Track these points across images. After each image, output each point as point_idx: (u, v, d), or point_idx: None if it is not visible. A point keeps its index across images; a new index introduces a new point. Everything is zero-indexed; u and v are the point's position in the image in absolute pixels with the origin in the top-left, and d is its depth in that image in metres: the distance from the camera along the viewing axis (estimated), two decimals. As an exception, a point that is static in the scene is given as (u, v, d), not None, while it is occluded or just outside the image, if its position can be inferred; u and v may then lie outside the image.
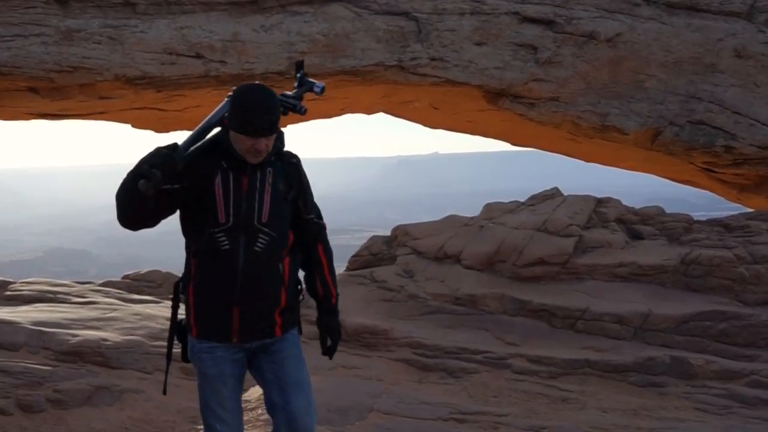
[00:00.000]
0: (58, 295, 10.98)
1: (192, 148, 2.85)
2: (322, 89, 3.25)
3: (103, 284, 12.90)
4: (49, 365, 7.52)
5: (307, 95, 3.31)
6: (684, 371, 9.95)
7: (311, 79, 3.28)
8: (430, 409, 6.21)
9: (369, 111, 9.25)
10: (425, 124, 9.93)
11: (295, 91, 3.22)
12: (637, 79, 7.68)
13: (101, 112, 8.24)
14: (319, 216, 3.16)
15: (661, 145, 7.84)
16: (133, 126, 9.09)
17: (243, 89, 2.92)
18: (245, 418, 7.08)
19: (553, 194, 15.45)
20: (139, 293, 12.65)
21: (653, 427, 7.65)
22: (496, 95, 7.68)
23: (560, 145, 9.30)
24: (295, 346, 3.08)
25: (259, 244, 2.88)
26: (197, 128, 2.89)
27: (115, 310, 10.23)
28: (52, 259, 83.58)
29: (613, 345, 10.77)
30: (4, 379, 6.89)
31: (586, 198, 15.06)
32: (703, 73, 7.74)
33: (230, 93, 2.96)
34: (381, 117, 10.43)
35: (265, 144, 2.86)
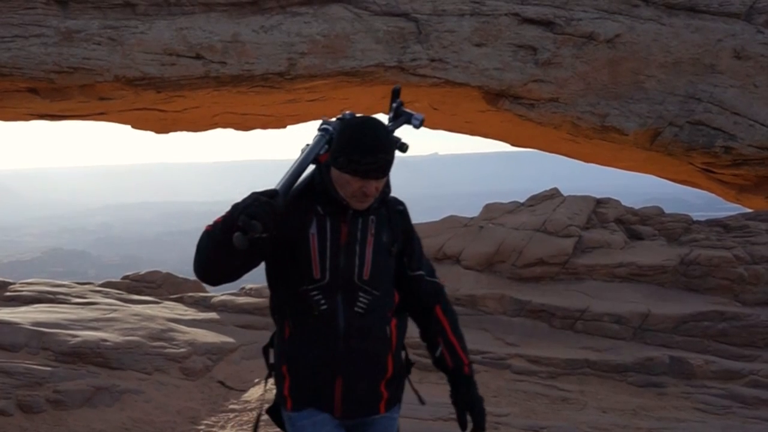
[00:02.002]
0: (58, 296, 10.98)
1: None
2: (421, 122, 2.77)
3: (103, 285, 12.90)
4: (49, 366, 7.52)
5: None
6: (683, 371, 9.96)
7: (408, 110, 2.79)
8: (430, 409, 6.21)
9: (369, 112, 9.26)
10: (425, 125, 9.92)
11: (390, 123, 2.71)
12: (636, 80, 7.70)
13: (101, 113, 8.25)
14: (432, 273, 2.71)
15: (660, 145, 7.85)
16: (133, 127, 9.10)
17: (353, 122, 2.47)
18: (245, 418, 7.09)
19: (553, 195, 15.45)
20: (138, 294, 12.65)
21: (653, 427, 7.66)
22: (495, 96, 7.69)
23: (560, 146, 9.31)
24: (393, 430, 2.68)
25: (360, 304, 2.46)
26: (293, 168, 2.41)
27: (115, 310, 10.23)
28: (52, 260, 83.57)
29: (612, 345, 10.77)
30: (4, 380, 6.89)
31: (585, 198, 15.06)
32: (703, 74, 7.76)
33: (324, 125, 2.55)
34: (381, 117, 10.41)
35: (375, 187, 2.40)
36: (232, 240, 2.11)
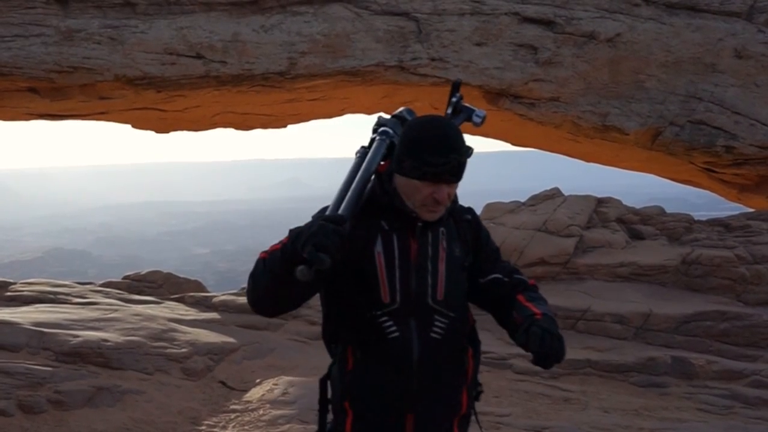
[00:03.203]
0: (59, 296, 10.97)
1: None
2: (483, 119, 2.37)
3: (104, 285, 12.89)
4: (49, 366, 7.51)
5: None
6: (685, 371, 9.94)
7: (469, 105, 2.40)
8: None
9: (369, 111, 9.26)
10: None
11: (450, 120, 2.36)
12: (637, 79, 7.69)
13: (102, 113, 8.24)
14: (511, 274, 2.36)
15: (661, 145, 7.84)
16: (133, 126, 9.10)
17: (418, 121, 2.20)
18: (246, 419, 7.08)
19: (554, 194, 15.45)
20: (139, 294, 12.65)
21: (655, 428, 7.64)
22: (496, 95, 7.69)
23: (561, 145, 9.30)
24: None
25: (436, 329, 2.17)
26: (356, 182, 2.10)
27: (116, 310, 10.22)
28: (52, 259, 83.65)
29: (614, 345, 10.76)
30: (4, 380, 6.88)
31: (586, 198, 15.06)
32: (703, 73, 7.75)
33: (382, 127, 2.26)
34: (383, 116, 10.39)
35: (448, 193, 2.14)
36: (294, 273, 1.84)
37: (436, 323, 2.18)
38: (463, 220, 2.31)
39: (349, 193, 2.06)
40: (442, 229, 2.22)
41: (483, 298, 2.34)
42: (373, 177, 2.19)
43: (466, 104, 2.39)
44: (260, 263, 2.11)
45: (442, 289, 2.18)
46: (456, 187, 2.17)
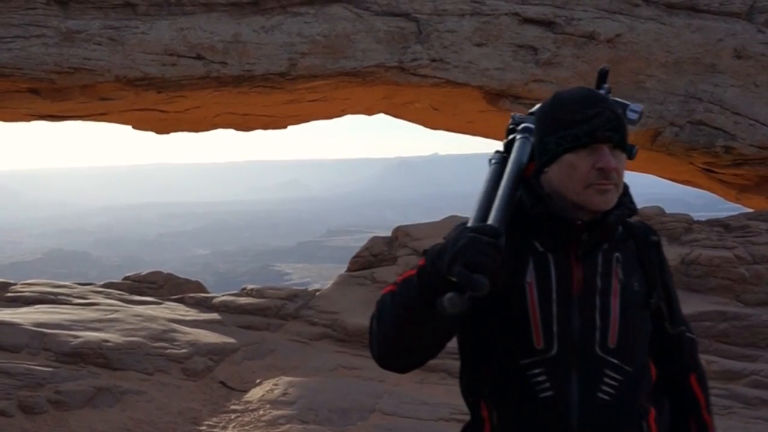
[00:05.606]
0: (59, 297, 10.98)
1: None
2: (640, 115, 1.81)
3: (104, 285, 12.89)
4: (50, 366, 7.52)
5: None
6: (685, 371, 9.96)
7: (619, 99, 1.81)
8: (431, 409, 6.22)
9: (369, 112, 9.28)
10: (425, 125, 9.94)
11: None
12: (637, 80, 7.71)
13: (102, 114, 8.26)
14: (689, 325, 1.88)
15: (661, 145, 7.86)
16: (133, 127, 9.11)
17: (553, 94, 1.75)
18: (246, 419, 7.09)
19: (554, 195, 15.50)
20: (140, 294, 12.65)
21: (654, 428, 7.64)
22: (496, 96, 7.70)
23: (560, 146, 9.32)
24: None
25: (605, 388, 1.61)
26: (503, 188, 1.59)
27: (117, 311, 10.24)
28: (53, 260, 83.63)
29: (613, 345, 10.77)
30: (5, 381, 6.89)
31: (586, 198, 15.10)
32: (703, 74, 7.77)
33: (523, 125, 1.77)
34: (381, 118, 10.45)
35: (615, 166, 1.63)
36: (438, 304, 1.36)
37: (606, 379, 1.62)
38: (648, 242, 1.77)
39: (497, 201, 1.55)
40: (617, 254, 1.67)
41: (662, 352, 1.78)
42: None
43: (616, 98, 1.84)
44: (387, 298, 1.58)
45: (615, 334, 1.63)
46: (624, 162, 1.68)
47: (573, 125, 1.61)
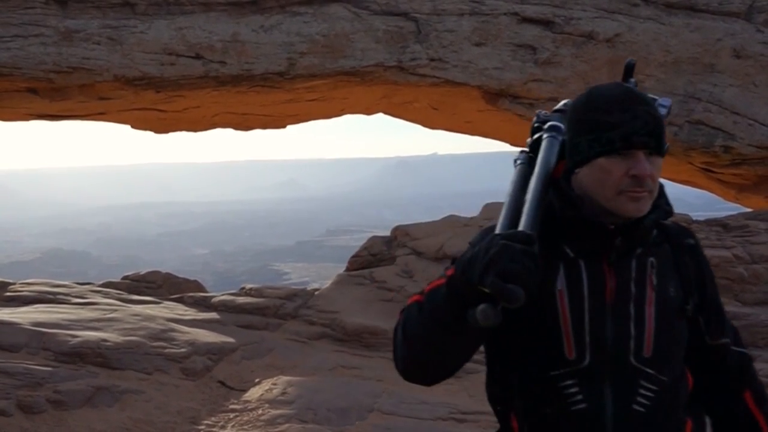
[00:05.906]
0: (58, 296, 10.97)
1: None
2: (669, 110, 1.69)
3: (103, 285, 12.89)
4: (49, 366, 7.52)
5: None
6: (683, 371, 9.98)
7: (649, 94, 1.68)
8: (430, 409, 6.22)
9: (368, 111, 9.28)
10: (424, 125, 9.95)
11: None
12: (635, 79, 7.72)
13: (101, 113, 8.26)
14: (738, 338, 1.77)
15: (660, 145, 7.88)
16: (132, 127, 9.11)
17: (586, 91, 1.63)
18: (245, 418, 7.09)
19: (553, 194, 15.49)
20: (139, 294, 12.65)
21: (653, 427, 7.65)
22: (495, 95, 7.71)
23: (559, 145, 9.32)
24: None
25: (641, 399, 1.55)
26: (532, 191, 1.51)
27: (115, 310, 10.23)
28: (52, 260, 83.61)
29: (612, 345, 10.78)
30: (4, 380, 6.89)
31: (585, 198, 15.10)
32: (702, 73, 7.77)
33: (550, 123, 1.66)
34: (380, 117, 10.46)
35: (650, 172, 1.52)
36: (470, 317, 1.31)
37: (642, 390, 1.56)
38: (684, 245, 1.68)
39: (527, 205, 1.47)
40: (651, 259, 1.60)
41: (702, 364, 1.70)
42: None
43: (646, 94, 1.71)
44: (413, 309, 1.52)
45: (651, 343, 1.56)
46: (660, 166, 1.57)
47: (608, 128, 1.52)
